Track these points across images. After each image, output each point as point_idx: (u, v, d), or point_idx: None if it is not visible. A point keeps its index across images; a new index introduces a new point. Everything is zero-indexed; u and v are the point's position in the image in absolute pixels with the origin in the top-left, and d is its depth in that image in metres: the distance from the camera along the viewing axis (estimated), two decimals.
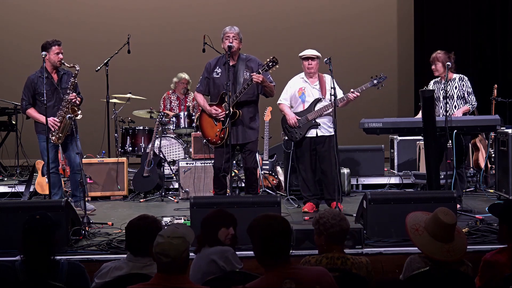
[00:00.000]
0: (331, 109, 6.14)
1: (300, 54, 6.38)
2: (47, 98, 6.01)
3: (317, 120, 6.26)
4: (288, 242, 3.00)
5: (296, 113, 6.35)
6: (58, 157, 6.49)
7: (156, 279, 2.94)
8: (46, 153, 5.86)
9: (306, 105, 6.35)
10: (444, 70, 6.20)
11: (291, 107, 6.44)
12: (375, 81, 6.18)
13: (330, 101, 6.06)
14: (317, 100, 6.30)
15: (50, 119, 5.98)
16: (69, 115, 6.01)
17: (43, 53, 5.97)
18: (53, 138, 6.07)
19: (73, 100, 6.09)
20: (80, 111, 6.15)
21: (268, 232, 2.94)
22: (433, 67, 6.31)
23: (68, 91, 6.10)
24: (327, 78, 6.33)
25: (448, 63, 6.10)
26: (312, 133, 6.31)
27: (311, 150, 6.34)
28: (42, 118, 5.98)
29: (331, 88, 5.89)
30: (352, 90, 6.16)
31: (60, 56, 6.10)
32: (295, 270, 2.91)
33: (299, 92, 6.39)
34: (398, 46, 11.18)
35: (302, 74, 6.44)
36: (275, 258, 2.93)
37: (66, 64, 6.09)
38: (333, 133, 6.16)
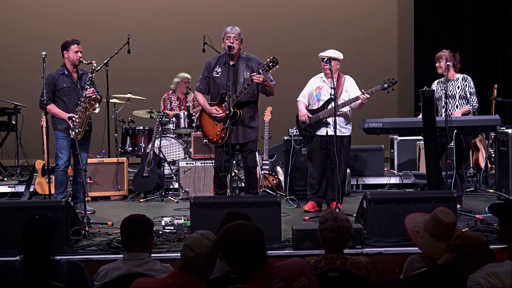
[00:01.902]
0: (344, 109, 6.17)
1: (319, 55, 6.39)
2: (66, 95, 6.20)
3: (329, 120, 6.26)
4: (260, 243, 2.87)
5: (310, 111, 6.37)
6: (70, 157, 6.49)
7: (172, 276, 2.94)
8: (57, 150, 6.03)
9: (321, 104, 6.36)
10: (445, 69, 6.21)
11: (309, 104, 6.47)
12: (385, 85, 6.15)
13: (344, 100, 6.14)
14: (331, 100, 6.29)
15: (70, 115, 6.08)
16: (70, 114, 6.05)
17: (43, 52, 5.98)
18: (73, 133, 6.09)
19: (92, 96, 6.16)
20: (97, 104, 6.23)
21: (235, 241, 2.84)
22: (437, 64, 6.29)
23: (86, 87, 6.19)
24: (347, 79, 6.36)
25: (448, 62, 6.10)
26: (322, 131, 6.32)
27: (321, 148, 6.35)
28: (62, 114, 6.13)
29: (331, 88, 5.90)
30: (362, 90, 6.16)
31: (79, 54, 6.22)
32: (276, 269, 2.88)
33: (316, 91, 6.41)
34: (398, 46, 11.18)
35: (322, 74, 6.46)
36: (254, 263, 2.86)
37: (84, 62, 6.20)
38: (346, 133, 6.26)
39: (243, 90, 5.76)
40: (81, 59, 6.21)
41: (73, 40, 6.25)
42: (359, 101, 6.15)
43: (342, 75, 6.40)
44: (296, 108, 6.53)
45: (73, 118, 6.04)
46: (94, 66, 6.22)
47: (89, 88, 6.17)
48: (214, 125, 5.97)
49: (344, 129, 6.28)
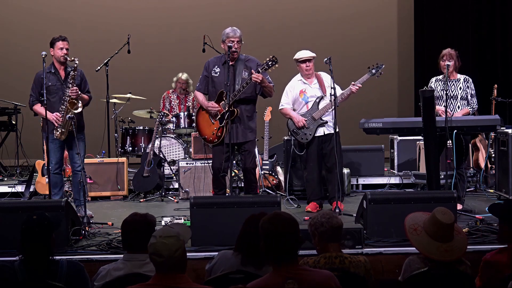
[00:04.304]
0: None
1: (296, 57, 6.37)
2: (52, 94, 6.00)
3: (323, 118, 6.27)
4: (294, 243, 2.94)
5: (301, 115, 6.36)
6: (63, 158, 6.42)
7: (155, 279, 2.94)
8: (48, 152, 5.86)
9: (310, 105, 6.35)
10: (453, 69, 6.12)
11: (294, 110, 6.44)
12: (373, 71, 6.22)
13: (330, 99, 6.09)
14: (320, 98, 6.30)
15: (54, 114, 5.93)
16: (68, 115, 5.92)
17: (43, 52, 5.94)
18: (57, 133, 5.98)
19: (73, 96, 5.95)
20: (80, 103, 5.98)
21: (273, 232, 2.92)
22: (446, 62, 6.02)
23: (68, 85, 5.98)
24: (324, 75, 6.36)
25: (449, 62, 6.03)
26: (320, 131, 6.32)
27: (318, 149, 6.35)
28: (46, 113, 5.87)
29: (331, 88, 5.90)
30: (353, 83, 6.18)
31: (64, 51, 5.99)
32: (300, 271, 2.90)
33: (300, 94, 6.39)
34: (398, 46, 11.18)
35: (299, 76, 6.44)
36: (279, 257, 2.91)
37: (68, 59, 6.01)
38: (337, 130, 6.20)
39: (241, 89, 5.76)
40: (66, 56, 5.97)
41: (58, 37, 6.04)
42: (350, 92, 6.17)
43: (318, 73, 6.41)
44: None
45: (57, 116, 5.89)
46: (76, 63, 5.95)
47: (72, 87, 5.94)
48: (210, 124, 5.97)
49: (337, 126, 6.24)
